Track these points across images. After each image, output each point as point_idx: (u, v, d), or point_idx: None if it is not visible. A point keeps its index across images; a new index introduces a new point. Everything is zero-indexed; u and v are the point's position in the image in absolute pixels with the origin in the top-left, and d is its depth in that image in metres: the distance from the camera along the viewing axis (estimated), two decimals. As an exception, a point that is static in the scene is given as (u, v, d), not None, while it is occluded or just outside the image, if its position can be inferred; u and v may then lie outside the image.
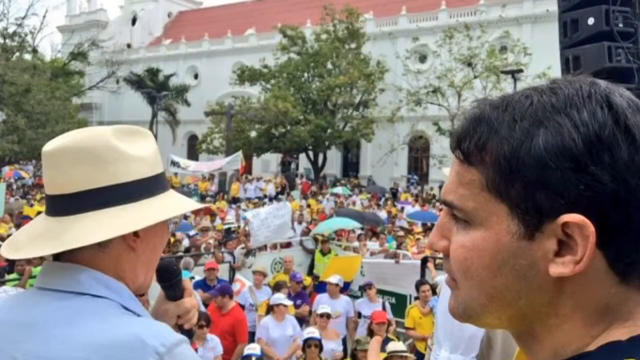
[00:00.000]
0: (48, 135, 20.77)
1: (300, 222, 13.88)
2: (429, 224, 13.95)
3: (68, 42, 43.61)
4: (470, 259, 0.61)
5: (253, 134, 32.48)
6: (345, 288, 8.31)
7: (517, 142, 0.58)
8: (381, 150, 33.20)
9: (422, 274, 8.21)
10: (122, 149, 1.04)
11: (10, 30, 33.39)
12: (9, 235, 7.37)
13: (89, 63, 40.14)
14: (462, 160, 0.63)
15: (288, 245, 11.05)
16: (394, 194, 25.66)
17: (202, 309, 6.13)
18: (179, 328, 1.21)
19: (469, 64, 28.80)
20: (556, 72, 14.20)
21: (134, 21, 54.02)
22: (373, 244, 11.31)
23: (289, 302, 6.97)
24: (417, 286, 7.09)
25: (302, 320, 7.39)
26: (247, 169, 31.47)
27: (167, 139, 40.32)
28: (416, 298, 7.25)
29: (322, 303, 7.09)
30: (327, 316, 6.57)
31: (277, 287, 7.60)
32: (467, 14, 34.98)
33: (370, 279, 8.35)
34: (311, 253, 10.62)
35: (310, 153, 33.69)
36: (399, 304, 8.62)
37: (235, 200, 21.88)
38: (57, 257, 1.03)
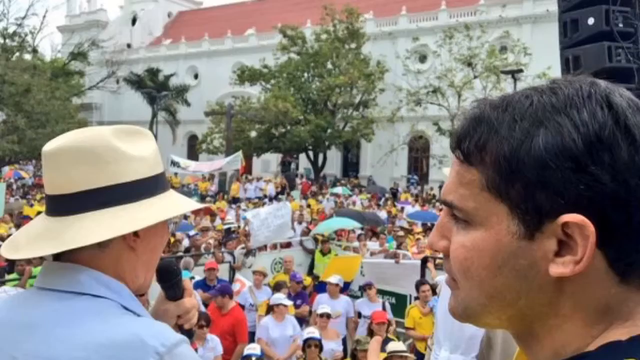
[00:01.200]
0: (48, 135, 20.75)
1: (300, 222, 13.88)
2: (429, 224, 13.94)
3: (68, 42, 43.55)
4: (470, 259, 0.61)
5: (253, 134, 32.48)
6: (345, 288, 8.31)
7: (517, 142, 0.58)
8: (381, 150, 33.21)
9: (422, 274, 8.21)
10: (122, 149, 1.04)
11: (10, 30, 33.40)
12: (9, 235, 7.38)
13: (89, 63, 40.10)
14: (462, 160, 0.63)
15: (288, 245, 11.05)
16: (394, 194, 25.65)
17: (202, 309, 6.13)
18: (179, 328, 1.21)
19: (469, 64, 28.80)
20: (556, 72, 14.21)
21: (134, 21, 53.98)
22: (373, 244, 11.31)
23: (289, 302, 6.97)
24: (417, 286, 7.09)
25: (302, 320, 7.39)
26: (247, 169, 31.48)
27: (167, 139, 40.30)
28: (416, 298, 7.25)
29: (322, 303, 7.09)
30: (327, 316, 6.57)
31: (277, 287, 7.60)
32: (467, 14, 34.97)
33: (370, 279, 8.35)
34: (311, 253, 10.62)
35: (310, 153, 33.69)
36: (399, 304, 8.62)
37: (235, 200, 21.88)
38: (57, 257, 1.03)
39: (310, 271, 10.12)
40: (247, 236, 10.48)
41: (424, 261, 8.50)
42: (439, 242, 0.66)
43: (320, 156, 33.85)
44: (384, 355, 4.74)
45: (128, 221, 1.01)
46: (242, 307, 7.27)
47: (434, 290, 6.66)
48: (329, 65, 33.23)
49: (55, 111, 27.47)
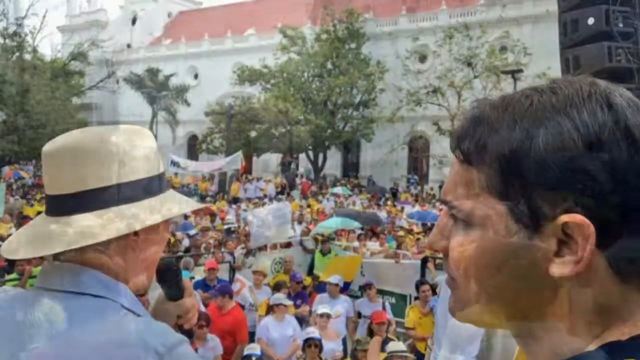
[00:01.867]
0: (48, 135, 20.69)
1: (300, 222, 13.87)
2: (429, 224, 13.94)
3: (68, 42, 43.46)
4: (470, 259, 0.61)
5: (253, 134, 32.47)
6: (345, 288, 8.31)
7: (517, 142, 0.58)
8: (381, 150, 33.20)
9: (422, 274, 8.22)
10: (122, 149, 1.04)
11: (10, 30, 33.34)
12: (9, 235, 7.37)
13: (89, 63, 40.04)
14: (462, 160, 0.63)
15: (288, 245, 11.03)
16: (394, 194, 25.67)
17: (202, 309, 6.13)
18: (179, 328, 1.21)
19: (469, 64, 28.81)
20: (556, 72, 14.22)
21: (134, 21, 53.88)
22: (373, 244, 11.30)
23: (289, 302, 6.97)
24: (417, 286, 7.09)
25: (302, 320, 7.39)
26: (247, 169, 31.46)
27: (167, 139, 40.29)
28: (416, 298, 7.26)
29: (322, 303, 7.09)
30: (327, 316, 6.57)
31: (277, 287, 7.60)
32: (467, 14, 34.95)
33: (370, 279, 8.35)
34: (311, 253, 10.61)
35: (310, 153, 33.69)
36: (399, 304, 8.62)
37: (235, 200, 21.87)
38: (57, 257, 1.03)
39: (310, 271, 10.11)
40: (247, 236, 10.47)
41: (424, 261, 8.50)
42: (439, 242, 0.66)
43: (320, 156, 33.84)
44: (384, 355, 4.74)
45: (128, 221, 1.01)
46: (242, 307, 7.27)
47: (434, 290, 6.66)
48: (329, 65, 33.23)
49: (55, 111, 27.43)
